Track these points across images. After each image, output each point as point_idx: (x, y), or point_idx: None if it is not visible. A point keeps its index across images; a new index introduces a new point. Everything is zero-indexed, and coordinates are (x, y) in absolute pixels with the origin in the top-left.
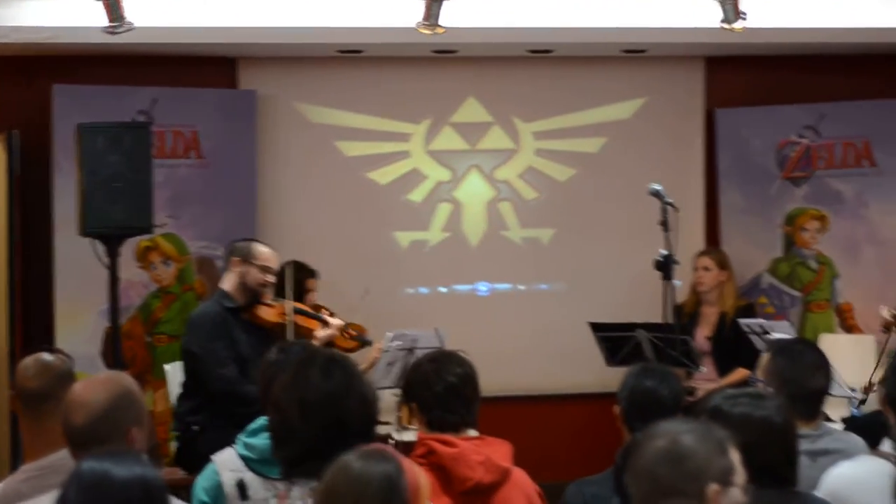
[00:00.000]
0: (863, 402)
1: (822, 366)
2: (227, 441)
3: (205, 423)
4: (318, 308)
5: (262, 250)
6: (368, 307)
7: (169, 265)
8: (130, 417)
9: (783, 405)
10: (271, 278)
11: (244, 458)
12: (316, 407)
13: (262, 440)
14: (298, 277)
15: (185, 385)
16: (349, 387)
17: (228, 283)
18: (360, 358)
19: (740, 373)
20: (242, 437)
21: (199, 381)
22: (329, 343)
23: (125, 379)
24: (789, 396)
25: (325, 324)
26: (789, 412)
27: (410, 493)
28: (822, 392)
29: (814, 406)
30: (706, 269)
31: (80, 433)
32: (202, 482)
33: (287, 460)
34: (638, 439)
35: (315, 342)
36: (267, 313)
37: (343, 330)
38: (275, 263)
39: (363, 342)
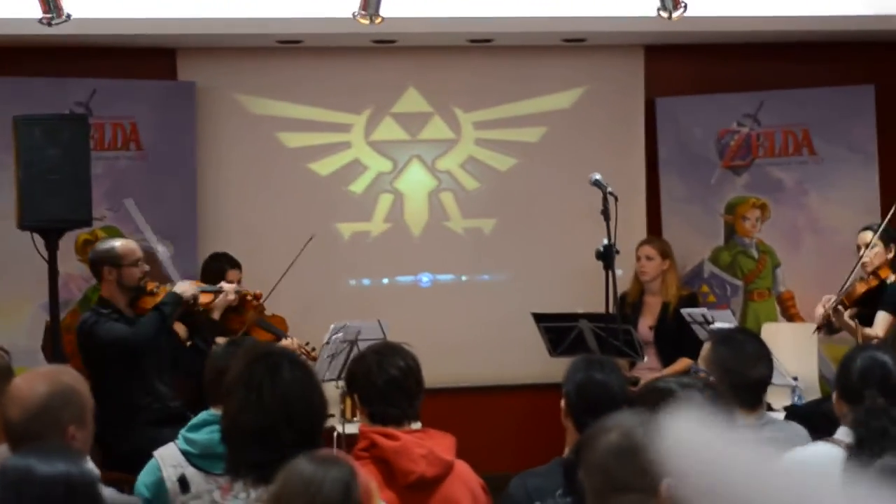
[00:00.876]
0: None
1: (763, 355)
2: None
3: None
4: (248, 304)
5: (125, 247)
6: (312, 298)
7: None
8: (69, 415)
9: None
10: (145, 266)
11: (185, 454)
12: (269, 404)
13: (204, 435)
14: (217, 267)
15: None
16: (303, 385)
17: (105, 290)
18: None
19: (683, 362)
20: (183, 432)
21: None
22: (231, 309)
23: (68, 374)
24: (731, 386)
25: (219, 293)
26: (727, 401)
27: (363, 497)
28: (763, 381)
29: (756, 395)
30: (648, 258)
31: (15, 429)
32: (143, 478)
33: (234, 454)
34: (591, 433)
35: (215, 313)
36: (150, 303)
37: (240, 295)
38: (139, 252)
39: (278, 335)
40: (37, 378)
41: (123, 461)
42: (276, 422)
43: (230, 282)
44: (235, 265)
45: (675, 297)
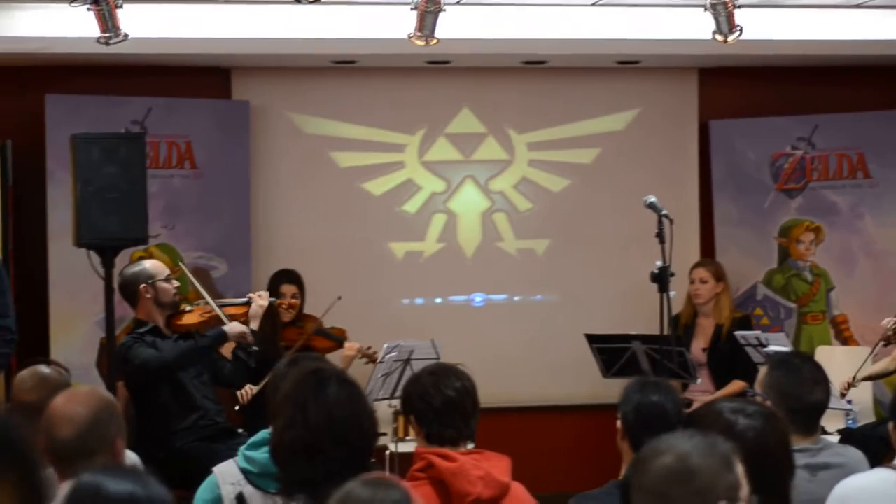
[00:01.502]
0: (842, 395)
1: (820, 380)
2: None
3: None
4: (307, 318)
5: (156, 266)
6: (365, 318)
7: None
8: (115, 428)
9: (776, 418)
10: (176, 283)
11: (244, 472)
12: (314, 421)
13: (263, 454)
14: (274, 283)
15: (138, 416)
16: (350, 403)
17: (142, 311)
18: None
19: (736, 384)
20: (243, 450)
21: (149, 406)
22: (306, 339)
23: (101, 391)
24: (788, 410)
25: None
26: (784, 425)
27: None
28: (821, 406)
29: (812, 420)
30: (703, 280)
31: (68, 446)
32: (202, 494)
33: (283, 472)
34: (643, 456)
35: (252, 322)
36: (188, 318)
37: (272, 304)
38: (167, 268)
39: (337, 341)
40: (78, 397)
41: (176, 478)
42: (320, 439)
43: (282, 295)
44: (291, 280)
45: (729, 320)
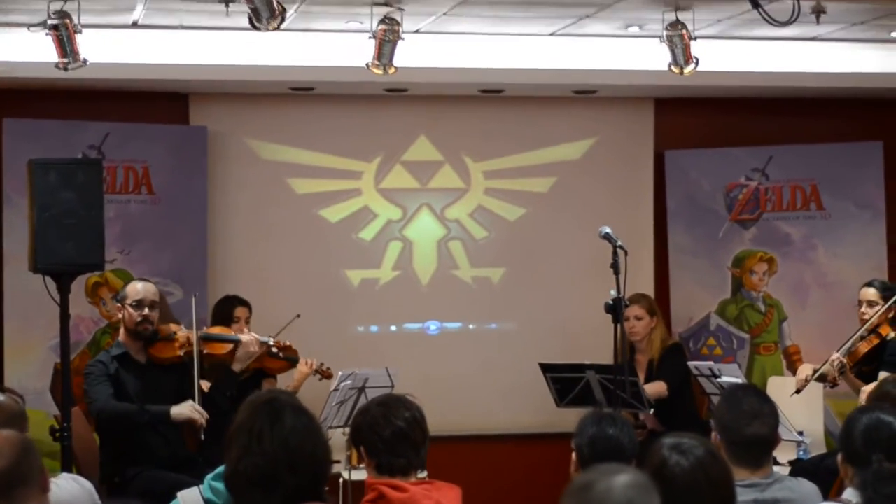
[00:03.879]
0: (798, 391)
1: (761, 413)
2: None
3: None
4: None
5: (131, 288)
6: (318, 345)
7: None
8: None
9: (715, 455)
10: (146, 311)
11: (207, 501)
12: (270, 450)
13: None
14: (226, 308)
15: (100, 436)
16: (306, 432)
17: (121, 329)
18: (289, 378)
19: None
20: (209, 480)
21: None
22: (257, 360)
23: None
24: (729, 443)
25: (238, 344)
26: (723, 461)
27: None
28: (760, 439)
29: (756, 453)
30: (637, 318)
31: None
32: None
33: (238, 502)
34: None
35: (236, 364)
36: (163, 350)
37: (266, 346)
38: (146, 296)
39: (291, 361)
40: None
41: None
42: (277, 469)
43: (237, 318)
44: (243, 303)
45: (659, 351)
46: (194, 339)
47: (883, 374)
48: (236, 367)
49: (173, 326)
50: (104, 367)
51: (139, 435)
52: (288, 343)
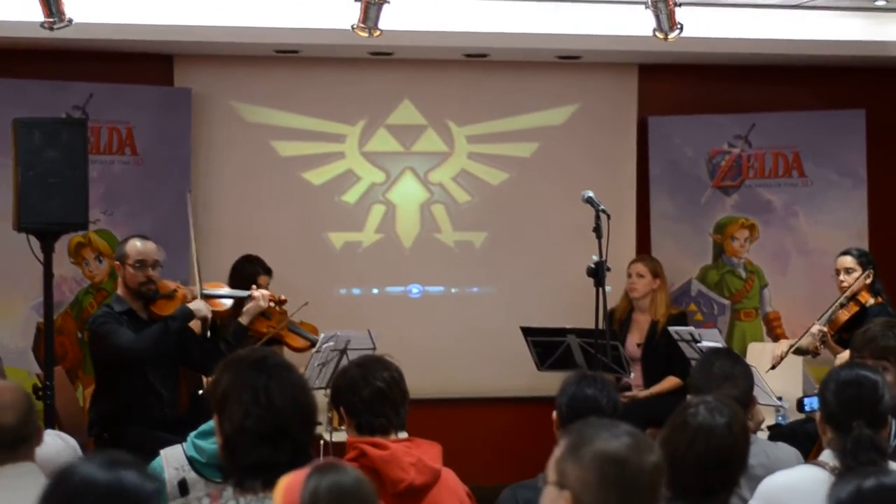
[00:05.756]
0: (773, 367)
1: (731, 376)
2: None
3: (118, 425)
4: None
5: (132, 247)
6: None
7: (101, 262)
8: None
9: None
10: (150, 272)
11: (191, 459)
12: (286, 407)
13: (212, 444)
14: (250, 271)
15: (95, 390)
16: (309, 391)
17: (120, 288)
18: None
19: (670, 380)
20: (193, 438)
21: (108, 384)
22: (260, 316)
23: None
24: None
25: (243, 301)
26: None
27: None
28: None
29: None
30: (640, 275)
31: (11, 432)
32: None
33: (245, 461)
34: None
35: (244, 317)
36: (164, 307)
37: (275, 301)
38: (148, 255)
39: (311, 340)
40: (5, 386)
41: None
42: (290, 423)
43: (261, 286)
44: (268, 271)
45: (665, 316)
46: (198, 294)
47: None
48: (243, 319)
49: (172, 284)
50: (117, 317)
51: (138, 392)
52: (306, 322)
